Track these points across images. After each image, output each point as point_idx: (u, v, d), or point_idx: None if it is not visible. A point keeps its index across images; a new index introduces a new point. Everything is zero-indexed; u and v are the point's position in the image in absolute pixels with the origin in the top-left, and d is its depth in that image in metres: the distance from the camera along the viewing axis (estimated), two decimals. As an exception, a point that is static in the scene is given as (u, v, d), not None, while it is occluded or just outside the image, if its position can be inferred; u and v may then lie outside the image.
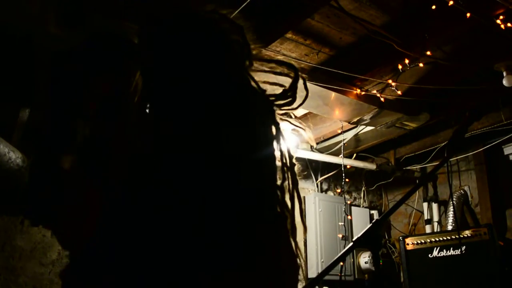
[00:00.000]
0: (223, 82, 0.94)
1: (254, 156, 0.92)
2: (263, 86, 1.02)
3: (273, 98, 1.01)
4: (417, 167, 4.52)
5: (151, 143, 0.91)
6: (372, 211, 4.69)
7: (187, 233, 0.80)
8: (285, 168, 0.99)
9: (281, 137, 0.99)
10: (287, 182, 0.98)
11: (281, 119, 1.02)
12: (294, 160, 1.01)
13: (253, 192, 0.88)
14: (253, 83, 0.99)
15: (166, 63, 0.95)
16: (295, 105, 1.03)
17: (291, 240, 0.94)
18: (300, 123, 1.09)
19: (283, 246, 0.93)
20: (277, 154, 0.98)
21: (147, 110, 0.93)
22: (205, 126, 0.89)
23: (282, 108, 1.02)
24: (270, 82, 1.04)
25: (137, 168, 0.88)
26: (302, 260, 0.98)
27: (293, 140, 1.04)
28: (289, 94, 1.01)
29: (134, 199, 0.84)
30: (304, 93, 1.06)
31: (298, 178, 1.00)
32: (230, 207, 0.84)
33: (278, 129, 0.99)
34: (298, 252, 0.95)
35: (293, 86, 1.02)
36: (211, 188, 0.84)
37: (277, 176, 0.97)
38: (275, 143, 0.98)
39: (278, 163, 0.98)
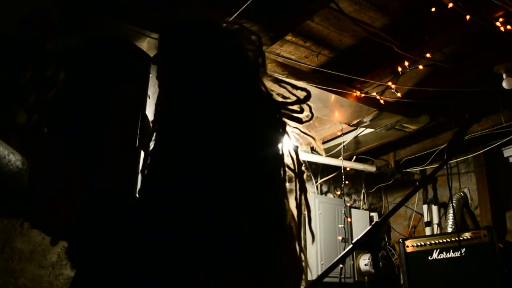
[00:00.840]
0: (235, 85, 0.96)
1: (260, 158, 0.92)
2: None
3: (282, 107, 1.04)
4: (417, 169, 4.52)
5: (157, 142, 0.91)
6: (372, 213, 4.68)
7: (188, 233, 0.80)
8: (294, 174, 0.99)
9: (288, 142, 1.00)
10: (295, 188, 0.98)
11: (290, 125, 1.04)
12: (303, 168, 1.01)
13: (256, 194, 0.88)
14: (263, 88, 1.01)
15: (182, 65, 0.97)
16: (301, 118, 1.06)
17: (296, 244, 0.95)
18: (309, 131, 1.10)
19: (286, 249, 0.93)
20: (286, 160, 1.00)
21: (158, 109, 0.94)
22: (214, 126, 0.90)
23: (289, 120, 1.04)
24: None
25: (141, 167, 0.89)
26: (306, 264, 0.99)
27: (293, 142, 1.05)
28: (297, 110, 1.04)
29: (136, 198, 0.84)
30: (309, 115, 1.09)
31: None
32: (232, 208, 0.84)
33: (285, 134, 1.00)
34: (302, 256, 0.95)
35: (302, 101, 1.05)
36: (214, 188, 0.84)
37: (284, 181, 0.97)
38: (282, 148, 0.99)
39: (285, 168, 0.99)
